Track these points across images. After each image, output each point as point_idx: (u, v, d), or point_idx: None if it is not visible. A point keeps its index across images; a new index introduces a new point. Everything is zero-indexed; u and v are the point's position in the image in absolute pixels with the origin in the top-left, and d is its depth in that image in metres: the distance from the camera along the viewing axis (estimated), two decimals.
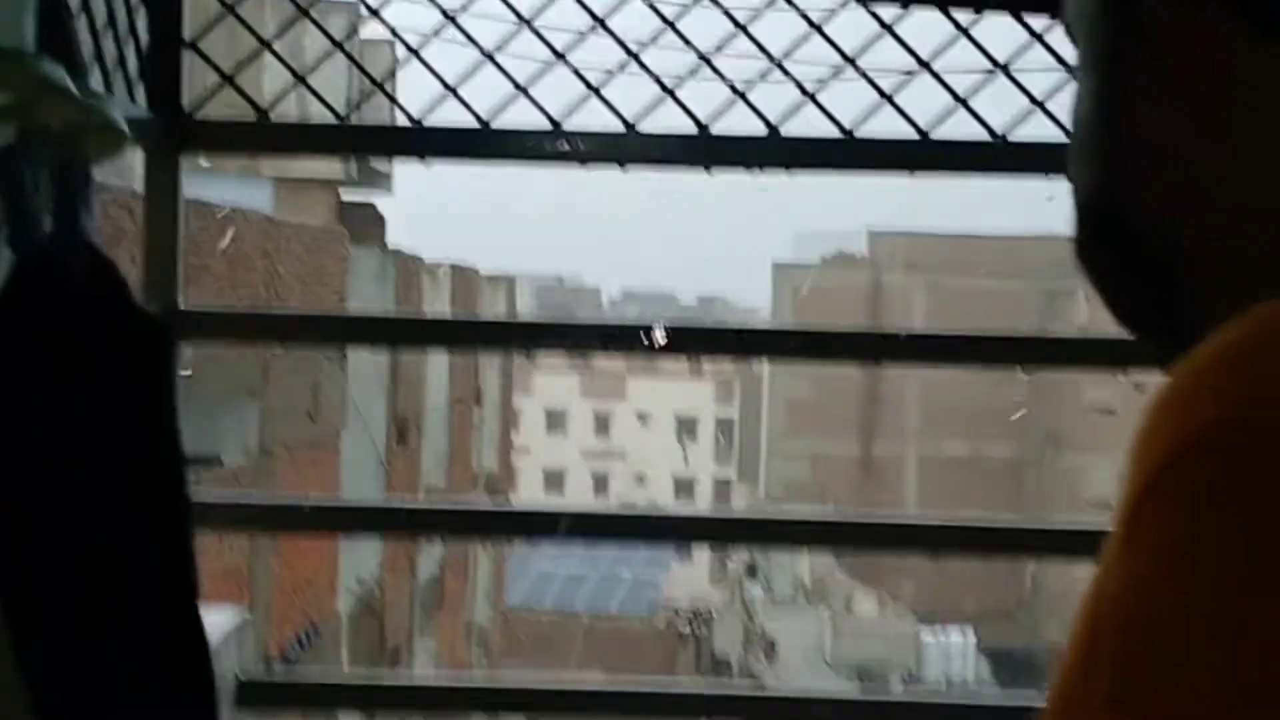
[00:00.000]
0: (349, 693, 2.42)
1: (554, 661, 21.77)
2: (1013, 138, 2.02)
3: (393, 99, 2.12)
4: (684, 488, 37.67)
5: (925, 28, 2.02)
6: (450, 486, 13.63)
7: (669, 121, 2.02)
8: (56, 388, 1.34)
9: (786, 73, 2.03)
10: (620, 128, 2.03)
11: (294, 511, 2.46)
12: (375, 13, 2.10)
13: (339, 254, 9.91)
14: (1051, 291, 26.68)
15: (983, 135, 2.02)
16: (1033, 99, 2.00)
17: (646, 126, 2.03)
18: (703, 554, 29.04)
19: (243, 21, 2.05)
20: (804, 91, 2.02)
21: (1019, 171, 2.06)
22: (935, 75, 2.02)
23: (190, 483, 1.50)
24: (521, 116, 2.02)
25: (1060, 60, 1.96)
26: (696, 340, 2.32)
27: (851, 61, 2.05)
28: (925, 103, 2.00)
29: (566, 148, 2.03)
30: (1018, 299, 27.40)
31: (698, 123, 2.02)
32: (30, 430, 1.32)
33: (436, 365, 13.09)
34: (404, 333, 2.63)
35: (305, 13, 2.12)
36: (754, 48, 2.03)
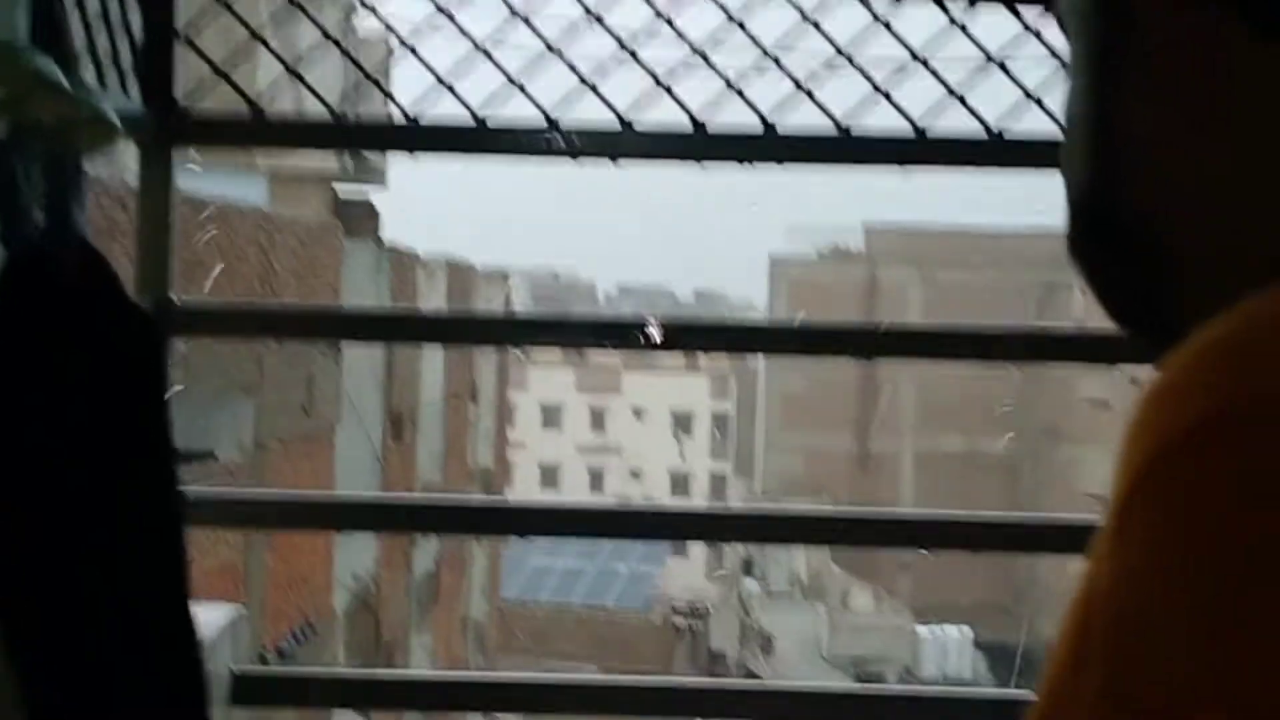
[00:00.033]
0: (345, 688, 2.41)
1: (550, 656, 21.80)
2: (1008, 132, 2.02)
3: (387, 93, 2.12)
4: (680, 483, 37.72)
5: (919, 21, 2.03)
6: (446, 482, 13.64)
7: (663, 115, 2.02)
8: (47, 383, 1.34)
9: (781, 66, 2.03)
10: (615, 122, 2.02)
11: (289, 507, 2.46)
12: (369, 5, 2.10)
13: (334, 249, 9.91)
14: (1047, 286, 26.73)
15: (978, 130, 2.02)
16: (1028, 93, 2.00)
17: (641, 121, 2.03)
18: (699, 549, 29.10)
19: (235, 13, 2.04)
20: (799, 85, 2.02)
21: (1014, 167, 2.06)
22: (929, 69, 2.02)
23: (183, 478, 1.49)
24: (515, 110, 2.02)
25: (1054, 53, 1.96)
26: (692, 335, 2.32)
27: (846, 55, 2.05)
28: (920, 96, 2.00)
29: (561, 144, 2.03)
30: (1013, 293, 27.42)
31: (692, 118, 2.02)
32: (20, 426, 1.32)
33: (431, 360, 13.10)
34: (399, 328, 2.63)
35: (298, 4, 2.11)
36: (748, 41, 2.03)
